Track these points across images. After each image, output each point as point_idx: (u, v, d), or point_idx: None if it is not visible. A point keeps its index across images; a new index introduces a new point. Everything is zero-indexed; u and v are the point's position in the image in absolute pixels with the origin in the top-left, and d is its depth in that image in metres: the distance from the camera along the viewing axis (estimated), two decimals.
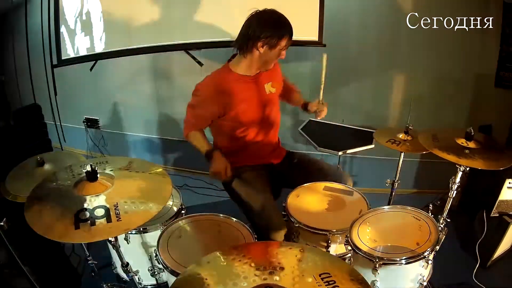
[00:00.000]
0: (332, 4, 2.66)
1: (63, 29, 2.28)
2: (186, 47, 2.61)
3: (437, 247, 1.67)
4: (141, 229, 1.64)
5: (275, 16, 1.77)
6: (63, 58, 2.32)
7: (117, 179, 1.35)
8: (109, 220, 1.18)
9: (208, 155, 1.85)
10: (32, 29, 2.89)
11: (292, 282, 0.99)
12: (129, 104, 3.48)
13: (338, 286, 0.99)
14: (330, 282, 1.00)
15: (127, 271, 1.52)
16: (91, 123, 3.55)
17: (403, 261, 1.38)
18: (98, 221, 1.16)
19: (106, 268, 1.89)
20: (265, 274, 1.01)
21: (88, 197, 1.25)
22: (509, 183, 2.14)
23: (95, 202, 1.23)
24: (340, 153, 2.37)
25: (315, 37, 2.56)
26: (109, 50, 2.39)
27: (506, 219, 2.21)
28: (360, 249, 1.43)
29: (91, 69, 2.61)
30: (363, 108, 3.09)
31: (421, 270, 1.43)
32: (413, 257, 1.38)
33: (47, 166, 1.76)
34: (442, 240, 1.74)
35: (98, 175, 1.31)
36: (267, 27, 1.74)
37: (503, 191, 2.16)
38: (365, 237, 1.49)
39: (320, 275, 1.02)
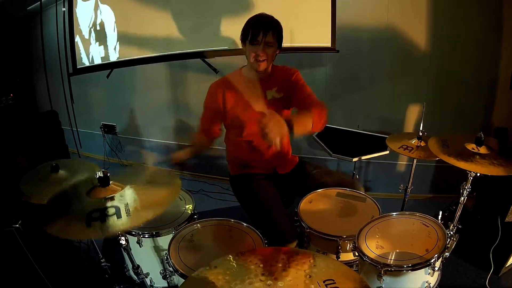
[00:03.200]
0: (344, 11, 2.68)
1: (77, 39, 2.36)
2: (201, 55, 2.65)
3: (447, 254, 1.67)
4: (154, 233, 1.68)
5: (258, 16, 1.84)
6: (78, 67, 2.40)
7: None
8: (119, 216, 1.22)
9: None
10: (47, 37, 2.97)
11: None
12: (145, 110, 3.56)
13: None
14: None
15: (137, 273, 1.56)
16: (108, 129, 3.64)
17: (408, 269, 1.36)
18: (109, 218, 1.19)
19: (119, 271, 1.92)
20: (270, 279, 1.02)
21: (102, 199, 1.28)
22: None
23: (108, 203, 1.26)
24: (354, 159, 2.36)
25: (328, 43, 2.58)
26: (123, 59, 2.46)
27: None
28: (366, 255, 1.42)
29: (107, 77, 2.70)
30: (379, 114, 3.07)
31: (427, 277, 1.41)
32: (419, 264, 1.37)
33: (61, 172, 1.79)
34: (452, 247, 1.75)
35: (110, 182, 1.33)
36: (246, 24, 1.84)
37: None
38: (373, 243, 1.48)
39: (324, 282, 1.03)
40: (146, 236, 1.69)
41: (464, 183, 1.71)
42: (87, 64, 2.43)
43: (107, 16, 2.40)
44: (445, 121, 2.90)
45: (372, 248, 1.47)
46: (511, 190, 2.13)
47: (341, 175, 2.12)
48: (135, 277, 1.73)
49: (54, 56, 2.79)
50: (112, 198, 1.29)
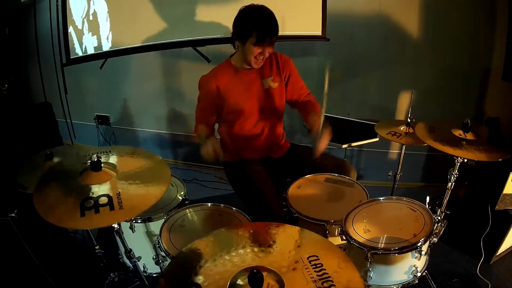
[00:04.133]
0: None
1: (71, 29, 2.38)
2: (192, 44, 2.64)
3: (435, 239, 1.68)
4: (146, 218, 1.71)
5: (250, 11, 1.77)
6: (72, 57, 2.41)
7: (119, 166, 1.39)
8: (112, 208, 1.20)
9: (203, 139, 1.83)
10: (41, 29, 2.98)
11: (281, 259, 1.06)
12: (139, 101, 3.57)
13: (324, 269, 1.03)
14: (318, 265, 1.04)
15: (129, 257, 1.57)
16: (102, 120, 3.65)
17: (395, 252, 1.38)
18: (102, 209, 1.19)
19: (113, 258, 1.93)
20: (259, 248, 1.10)
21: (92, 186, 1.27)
22: None
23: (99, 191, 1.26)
24: (344, 146, 2.38)
25: (318, 32, 2.58)
26: (116, 48, 2.47)
27: (511, 213, 2.21)
28: (353, 239, 1.44)
29: (101, 67, 2.70)
30: (370, 102, 3.09)
31: (414, 261, 1.44)
32: (405, 248, 1.38)
33: (56, 160, 1.80)
34: (441, 232, 1.76)
35: (102, 165, 1.34)
36: (238, 21, 1.78)
37: (507, 184, 2.13)
38: (361, 227, 1.51)
39: (308, 258, 1.07)
40: (139, 221, 1.71)
41: (452, 169, 1.73)
42: (80, 54, 2.45)
43: (100, 6, 2.41)
44: (436, 110, 2.92)
45: (360, 232, 1.49)
46: (501, 178, 2.14)
47: (334, 157, 2.13)
48: (129, 263, 1.75)
49: (48, 47, 2.80)
50: (103, 186, 1.29)
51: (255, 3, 1.81)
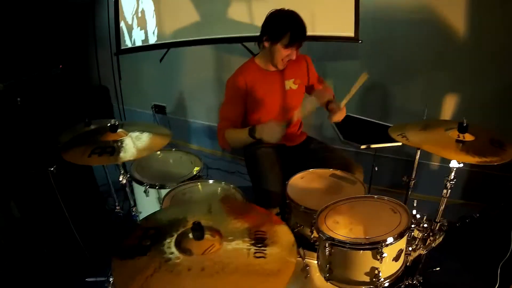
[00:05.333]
0: (372, 4, 2.63)
1: (122, 24, 2.74)
2: (241, 40, 2.76)
3: (422, 250, 1.59)
4: (160, 185, 1.93)
5: (283, 14, 1.85)
6: (122, 48, 2.78)
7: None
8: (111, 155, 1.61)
9: (251, 131, 1.89)
10: (100, 22, 3.39)
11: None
12: (192, 93, 3.81)
13: (265, 239, 1.14)
14: (259, 239, 1.15)
15: (131, 211, 1.88)
16: (159, 109, 3.94)
17: (349, 247, 1.35)
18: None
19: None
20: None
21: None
22: None
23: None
24: (362, 146, 2.32)
25: (351, 33, 2.54)
26: (160, 42, 2.77)
27: None
28: (317, 225, 1.44)
29: (160, 60, 3.01)
30: (408, 106, 2.93)
31: (376, 263, 1.36)
32: (360, 245, 1.34)
33: (92, 126, 2.20)
34: (433, 245, 1.65)
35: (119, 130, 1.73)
36: (271, 23, 1.87)
37: None
38: (334, 222, 1.48)
39: (255, 232, 1.18)
40: (152, 187, 1.93)
41: (447, 175, 1.60)
42: (129, 45, 2.81)
43: (147, 5, 2.75)
44: (484, 123, 2.63)
45: (328, 222, 1.48)
46: None
47: (343, 156, 2.12)
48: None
49: (106, 38, 3.19)
50: (120, 141, 1.68)
51: (285, 8, 1.89)
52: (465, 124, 1.55)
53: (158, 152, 2.22)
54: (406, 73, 2.87)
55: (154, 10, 2.73)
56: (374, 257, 1.35)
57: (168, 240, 1.13)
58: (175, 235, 1.14)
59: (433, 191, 2.75)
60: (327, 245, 1.38)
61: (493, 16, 2.47)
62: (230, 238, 1.15)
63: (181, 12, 2.73)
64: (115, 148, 1.63)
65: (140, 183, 1.95)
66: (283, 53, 1.88)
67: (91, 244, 2.30)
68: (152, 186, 1.93)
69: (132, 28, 2.80)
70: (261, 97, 2.03)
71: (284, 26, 1.83)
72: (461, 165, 1.55)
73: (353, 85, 1.80)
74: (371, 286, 1.38)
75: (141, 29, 2.78)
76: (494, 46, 2.52)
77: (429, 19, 2.63)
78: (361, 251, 1.35)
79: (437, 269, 2.08)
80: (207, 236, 1.13)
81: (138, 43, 2.82)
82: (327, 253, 1.39)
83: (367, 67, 2.88)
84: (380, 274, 1.37)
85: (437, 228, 1.68)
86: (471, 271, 2.24)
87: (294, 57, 1.91)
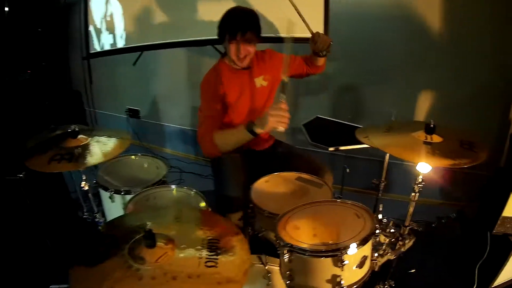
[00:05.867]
0: (345, 4, 2.61)
1: (91, 28, 2.69)
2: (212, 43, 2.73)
3: (391, 256, 1.55)
4: (125, 190, 1.88)
5: (233, 11, 1.84)
6: (91, 52, 2.72)
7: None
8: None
9: (249, 126, 1.73)
10: (75, 28, 3.32)
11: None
12: (166, 96, 3.76)
13: (217, 248, 1.13)
14: (213, 248, 1.14)
15: (94, 217, 1.88)
16: (133, 113, 3.89)
17: (303, 253, 1.29)
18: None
19: None
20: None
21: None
22: None
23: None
24: (330, 148, 2.27)
25: None
26: (128, 46, 2.72)
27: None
28: (277, 231, 1.39)
29: (134, 64, 2.97)
30: (383, 109, 2.83)
31: (337, 270, 1.30)
32: (320, 252, 1.29)
33: (58, 132, 2.09)
34: (402, 249, 1.62)
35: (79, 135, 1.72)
36: (222, 21, 1.84)
37: (508, 206, 1.87)
38: (295, 228, 1.43)
39: (209, 240, 1.17)
40: (116, 192, 1.88)
41: (416, 178, 1.56)
42: (98, 50, 2.76)
43: (116, 8, 2.69)
44: (456, 123, 2.61)
45: (289, 228, 1.42)
46: (501, 199, 1.88)
47: (311, 160, 2.08)
48: None
49: (78, 42, 3.15)
50: (74, 148, 1.67)
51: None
52: (432, 125, 1.50)
53: (126, 157, 2.19)
54: (378, 73, 2.84)
55: (122, 14, 2.68)
56: (335, 265, 1.29)
57: (124, 248, 1.10)
58: (129, 243, 1.12)
59: (409, 191, 2.74)
60: (285, 252, 1.33)
61: (468, 14, 2.47)
62: (182, 246, 1.13)
63: (149, 15, 2.69)
64: (73, 155, 1.61)
65: (106, 188, 1.91)
66: (232, 49, 1.84)
67: (61, 251, 2.22)
68: (117, 192, 1.89)
69: (101, 32, 2.75)
70: (235, 96, 1.98)
71: (223, 23, 1.83)
72: (429, 169, 1.50)
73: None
74: None
75: (109, 33, 2.73)
76: (470, 45, 2.52)
77: (404, 16, 2.61)
78: (322, 258, 1.30)
79: (412, 271, 2.05)
80: (160, 244, 1.11)
81: (107, 47, 2.77)
82: (286, 260, 1.34)
83: (339, 68, 2.87)
84: (343, 282, 1.31)
85: (406, 232, 1.63)
86: (449, 272, 2.22)
87: (243, 52, 1.83)
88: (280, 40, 2.47)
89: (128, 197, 1.87)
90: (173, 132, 3.84)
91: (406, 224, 1.63)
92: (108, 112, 3.77)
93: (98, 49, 2.78)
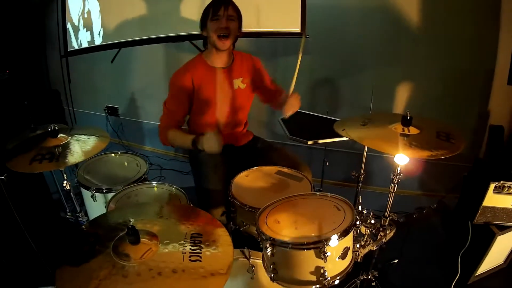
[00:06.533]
0: None
1: (69, 25, 2.64)
2: (190, 38, 2.72)
3: (372, 247, 1.58)
4: (106, 189, 1.89)
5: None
6: (69, 50, 2.68)
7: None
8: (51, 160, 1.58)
9: (194, 141, 1.88)
10: (50, 24, 3.28)
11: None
12: (144, 93, 3.74)
13: (200, 242, 1.15)
14: (197, 242, 1.15)
15: (77, 217, 1.86)
16: (112, 111, 3.86)
17: (291, 247, 1.31)
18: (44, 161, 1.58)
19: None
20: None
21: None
22: (495, 187, 1.90)
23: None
24: (309, 142, 2.29)
25: (297, 28, 2.52)
26: (106, 43, 2.69)
27: (493, 229, 1.98)
28: (257, 225, 1.40)
29: (112, 61, 2.93)
30: (361, 101, 2.85)
31: (320, 262, 1.32)
32: (302, 244, 1.30)
33: (38, 132, 2.11)
34: (383, 240, 1.65)
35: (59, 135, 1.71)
36: (206, 7, 1.91)
37: (487, 196, 1.93)
38: (275, 222, 1.44)
39: (192, 234, 1.18)
40: (97, 191, 1.89)
41: (394, 170, 1.59)
42: (76, 47, 2.71)
43: (93, 5, 2.66)
44: (436, 115, 2.70)
45: (270, 221, 1.43)
46: (481, 189, 1.94)
47: (289, 155, 2.11)
48: None
49: (55, 40, 3.08)
50: (55, 147, 1.65)
51: None
52: (408, 117, 1.53)
53: (106, 156, 2.18)
54: (356, 65, 2.88)
55: (99, 11, 2.64)
56: (318, 256, 1.31)
57: (108, 246, 1.10)
58: (113, 241, 1.12)
59: (388, 183, 2.79)
60: (268, 245, 1.35)
61: (446, 6, 2.53)
62: (166, 241, 1.14)
63: (126, 11, 2.67)
64: (54, 154, 1.60)
65: (87, 188, 1.91)
66: (213, 28, 1.87)
67: (46, 252, 2.18)
68: (98, 190, 1.89)
69: (79, 29, 2.70)
70: (209, 96, 1.99)
71: (207, 6, 1.89)
72: (407, 161, 1.53)
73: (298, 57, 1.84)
74: (318, 285, 1.35)
75: (87, 30, 2.69)
76: (448, 37, 2.58)
77: (381, 8, 2.65)
78: (304, 250, 1.31)
79: (395, 261, 2.10)
80: (144, 240, 1.11)
81: (85, 44, 2.72)
82: (269, 253, 1.35)
83: (315, 62, 2.89)
84: (326, 273, 1.33)
85: (387, 223, 1.66)
86: (432, 262, 2.27)
87: (224, 26, 1.86)
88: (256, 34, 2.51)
89: (110, 195, 1.87)
90: (152, 129, 3.80)
91: (386, 215, 1.66)
92: (87, 110, 3.71)
93: (76, 47, 2.73)
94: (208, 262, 1.08)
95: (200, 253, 1.11)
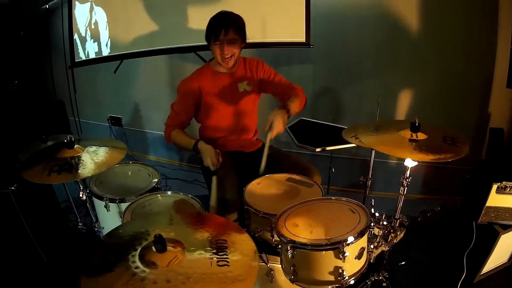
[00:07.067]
0: (324, 6, 2.70)
1: (76, 36, 2.68)
2: (195, 49, 2.79)
3: (384, 247, 1.64)
4: (119, 199, 1.91)
5: (218, 13, 1.94)
6: (76, 60, 2.70)
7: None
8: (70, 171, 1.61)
9: (195, 148, 1.98)
10: (56, 35, 3.30)
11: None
12: (148, 103, 3.77)
13: (226, 248, 1.16)
14: (222, 248, 1.18)
15: (94, 227, 1.86)
16: (115, 121, 3.88)
17: (310, 248, 1.36)
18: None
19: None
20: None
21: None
22: (498, 187, 1.97)
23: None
24: (318, 149, 2.34)
25: (302, 39, 2.59)
26: (114, 54, 2.73)
27: (497, 228, 2.04)
28: (277, 230, 1.45)
29: (115, 72, 2.96)
30: (364, 108, 3.02)
31: (339, 262, 1.38)
32: (322, 246, 1.36)
33: (49, 143, 2.16)
34: (394, 241, 1.70)
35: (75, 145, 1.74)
36: (208, 24, 1.94)
37: (490, 196, 1.99)
38: (294, 226, 1.49)
39: (216, 241, 1.20)
40: (111, 201, 1.91)
41: (403, 173, 1.65)
42: (83, 58, 2.74)
43: (100, 16, 2.70)
44: (437, 119, 2.78)
45: (289, 225, 1.49)
46: (484, 190, 2.01)
47: (299, 160, 2.16)
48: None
49: (61, 51, 3.12)
50: (72, 158, 1.69)
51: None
52: (417, 124, 1.61)
53: (116, 166, 2.19)
54: (358, 74, 2.95)
55: (107, 22, 2.68)
56: (337, 257, 1.37)
57: (132, 254, 1.12)
58: (139, 249, 1.14)
59: (391, 189, 2.88)
60: (289, 248, 1.39)
61: (444, 11, 2.61)
62: (192, 248, 1.16)
63: (133, 22, 2.71)
64: (72, 165, 1.63)
65: (100, 198, 1.93)
66: (216, 50, 1.93)
67: (56, 262, 2.21)
68: (112, 200, 1.92)
69: (86, 40, 2.73)
70: (216, 100, 2.07)
71: (209, 25, 1.93)
72: (416, 163, 1.59)
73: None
74: (337, 285, 1.41)
75: (94, 41, 2.72)
76: (446, 42, 2.66)
77: (381, 16, 2.73)
78: (324, 251, 1.37)
79: (402, 263, 2.15)
80: (169, 248, 1.13)
81: (92, 55, 2.76)
82: (290, 256, 1.39)
83: (319, 70, 2.96)
84: (345, 273, 1.39)
85: (397, 224, 1.72)
86: (438, 262, 2.33)
87: (227, 53, 1.92)
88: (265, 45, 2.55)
89: (123, 205, 1.90)
90: (156, 139, 3.83)
91: (396, 217, 1.72)
92: (90, 120, 3.72)
93: (84, 58, 2.76)
94: (236, 266, 1.10)
95: (227, 258, 1.13)
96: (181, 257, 1.11)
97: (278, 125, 1.84)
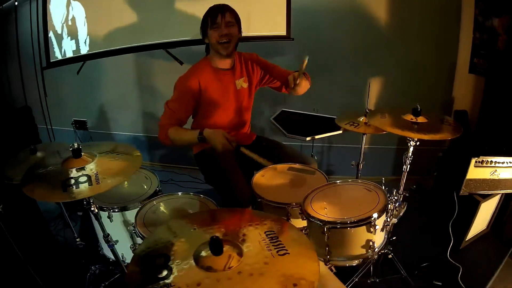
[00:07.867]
0: (302, 1, 2.80)
1: (51, 34, 2.49)
2: (165, 46, 2.74)
3: (394, 220, 1.78)
4: (122, 207, 1.81)
5: (212, 6, 1.98)
6: (51, 60, 2.51)
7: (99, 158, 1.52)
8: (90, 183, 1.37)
9: (201, 137, 1.91)
10: (22, 34, 3.06)
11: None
12: (114, 104, 3.61)
13: (280, 241, 1.11)
14: (274, 238, 1.12)
15: (107, 241, 1.68)
16: (80, 125, 3.67)
17: (346, 226, 1.47)
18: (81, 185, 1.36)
19: (94, 252, 2.04)
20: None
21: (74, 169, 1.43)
22: (476, 161, 2.21)
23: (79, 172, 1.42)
24: (308, 138, 2.45)
25: (283, 32, 2.66)
26: (93, 52, 2.58)
27: (477, 198, 2.29)
28: (310, 215, 1.53)
29: (77, 73, 2.79)
30: (338, 98, 3.16)
31: (370, 235, 1.51)
32: (359, 222, 1.48)
33: (39, 154, 1.94)
34: (400, 214, 1.86)
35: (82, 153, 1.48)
36: (203, 16, 1.98)
37: (470, 169, 2.22)
38: (319, 206, 1.59)
39: (265, 232, 1.15)
40: (116, 210, 1.81)
41: (406, 152, 1.83)
42: (60, 58, 2.56)
43: (78, 12, 2.54)
44: (406, 104, 2.96)
45: (317, 210, 1.57)
46: (464, 164, 2.23)
47: (297, 151, 2.25)
48: (109, 253, 1.90)
49: (28, 51, 2.89)
50: (83, 169, 1.43)
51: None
52: (419, 109, 1.80)
53: None
54: (332, 65, 3.08)
55: (85, 17, 2.52)
56: (368, 231, 1.50)
57: (177, 261, 1.04)
58: (192, 255, 1.05)
59: (375, 172, 3.03)
60: (325, 230, 1.48)
61: (412, 7, 2.82)
62: (247, 244, 1.10)
63: (114, 18, 2.59)
64: (90, 177, 1.39)
65: (101, 209, 1.79)
66: (214, 36, 1.95)
67: (49, 281, 2.03)
68: (113, 210, 1.81)
69: (62, 38, 2.54)
70: (215, 98, 2.06)
71: (205, 15, 1.98)
72: (418, 143, 1.77)
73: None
74: (369, 256, 1.55)
75: (71, 39, 2.54)
76: (413, 34, 2.88)
77: (355, 9, 2.88)
78: (357, 227, 1.49)
79: (393, 238, 2.30)
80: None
81: (69, 54, 2.57)
82: (326, 237, 1.48)
83: (296, 62, 3.04)
84: (375, 245, 1.53)
85: (401, 199, 1.89)
86: (426, 235, 2.54)
87: (223, 33, 1.94)
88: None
89: (127, 213, 1.82)
90: (125, 140, 3.67)
91: (400, 192, 1.90)
92: (53, 126, 3.43)
93: (60, 57, 2.55)
94: (297, 251, 1.07)
95: (284, 246, 1.08)
96: (236, 256, 1.05)
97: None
